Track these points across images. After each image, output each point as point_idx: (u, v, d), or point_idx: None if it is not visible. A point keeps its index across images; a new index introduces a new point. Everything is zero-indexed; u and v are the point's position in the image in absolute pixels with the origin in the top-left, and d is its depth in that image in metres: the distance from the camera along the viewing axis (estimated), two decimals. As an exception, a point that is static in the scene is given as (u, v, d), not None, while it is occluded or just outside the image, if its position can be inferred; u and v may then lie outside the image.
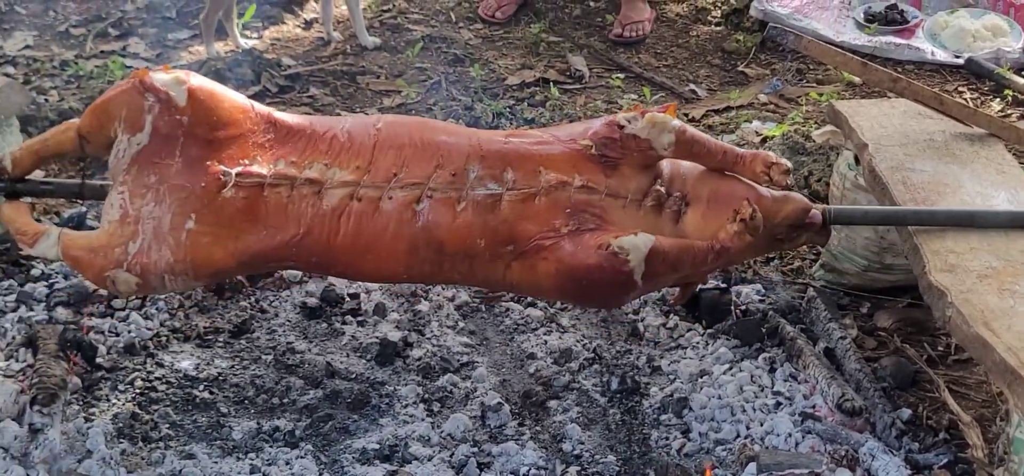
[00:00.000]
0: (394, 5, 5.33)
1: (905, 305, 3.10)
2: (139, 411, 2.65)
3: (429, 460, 2.53)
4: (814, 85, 4.63)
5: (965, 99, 4.31)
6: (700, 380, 2.81)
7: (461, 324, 3.09)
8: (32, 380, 2.61)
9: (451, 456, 2.54)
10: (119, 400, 2.71)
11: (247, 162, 2.39)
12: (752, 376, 2.79)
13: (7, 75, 4.28)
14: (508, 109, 4.37)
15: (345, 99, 4.53)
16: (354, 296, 3.14)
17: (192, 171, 2.35)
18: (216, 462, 2.51)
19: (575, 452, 2.58)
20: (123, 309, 3.03)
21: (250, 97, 4.32)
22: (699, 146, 2.47)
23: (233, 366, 2.88)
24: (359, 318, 3.08)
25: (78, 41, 4.87)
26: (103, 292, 3.02)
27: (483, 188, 2.40)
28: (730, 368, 2.84)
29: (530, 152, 2.45)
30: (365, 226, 2.38)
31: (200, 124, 2.36)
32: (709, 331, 3.02)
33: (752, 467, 2.42)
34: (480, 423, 2.68)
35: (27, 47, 4.78)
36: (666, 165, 2.52)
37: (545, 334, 3.03)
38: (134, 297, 3.03)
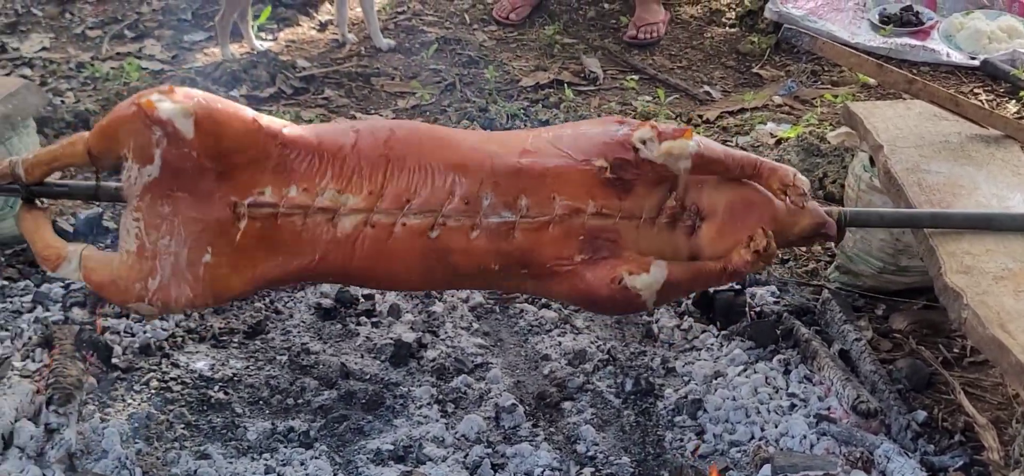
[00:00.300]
0: (408, 7, 5.34)
1: (921, 307, 3.09)
2: (154, 411, 2.66)
3: (443, 461, 2.54)
4: (829, 87, 4.62)
5: (981, 101, 4.29)
6: (714, 382, 2.81)
7: (475, 325, 3.09)
8: (48, 380, 2.61)
9: (465, 457, 2.54)
10: (134, 400, 2.72)
11: (259, 191, 2.38)
12: (767, 378, 2.79)
13: (24, 77, 4.30)
14: (522, 110, 4.37)
15: (359, 100, 4.54)
16: (369, 297, 3.14)
17: (205, 203, 2.34)
18: (231, 462, 2.52)
19: (589, 453, 2.57)
20: (139, 310, 3.04)
21: (265, 99, 4.40)
22: (717, 164, 2.45)
23: (248, 367, 2.89)
24: (373, 319, 3.09)
25: (94, 43, 4.89)
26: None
27: (496, 216, 2.38)
28: (745, 370, 2.84)
29: (544, 173, 2.42)
30: (380, 251, 2.38)
31: (209, 155, 2.35)
32: (723, 333, 3.02)
33: (767, 469, 2.41)
34: (494, 424, 2.68)
35: (44, 49, 4.81)
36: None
37: (559, 335, 3.03)
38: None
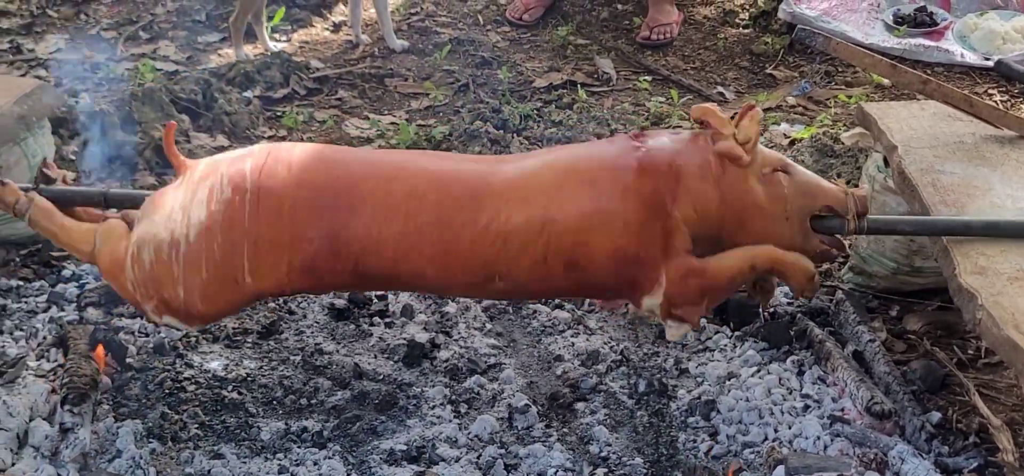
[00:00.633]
0: (422, 8, 5.35)
1: (935, 308, 3.08)
2: (168, 411, 2.67)
3: (456, 461, 2.54)
4: (843, 87, 4.61)
5: (995, 101, 4.28)
6: (728, 383, 2.80)
7: (488, 326, 3.09)
8: (63, 380, 2.63)
9: (478, 457, 2.55)
10: (148, 400, 2.73)
11: None
12: (780, 379, 2.78)
13: (39, 78, 4.32)
14: (536, 111, 4.37)
15: (373, 101, 4.55)
16: (382, 297, 3.15)
17: None
18: (244, 462, 2.52)
19: (602, 454, 2.57)
20: (153, 310, 3.05)
21: (279, 100, 4.41)
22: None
23: (261, 367, 2.89)
24: (387, 319, 3.09)
25: (109, 44, 4.91)
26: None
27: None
28: (758, 370, 2.83)
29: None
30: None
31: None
32: (737, 334, 3.01)
33: (780, 470, 2.41)
34: (507, 424, 2.68)
35: (58, 50, 4.83)
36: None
37: (572, 336, 3.03)
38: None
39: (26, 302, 3.06)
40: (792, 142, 4.06)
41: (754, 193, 2.41)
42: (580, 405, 2.75)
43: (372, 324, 3.07)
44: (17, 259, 3.28)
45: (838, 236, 2.51)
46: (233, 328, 3.02)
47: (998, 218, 2.57)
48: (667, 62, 4.91)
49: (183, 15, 5.17)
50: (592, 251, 2.37)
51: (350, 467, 2.52)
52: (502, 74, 4.64)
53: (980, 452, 2.51)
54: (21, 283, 3.16)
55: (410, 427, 2.65)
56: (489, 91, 4.55)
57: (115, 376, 2.79)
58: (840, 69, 4.73)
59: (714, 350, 2.96)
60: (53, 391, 2.62)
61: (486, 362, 2.92)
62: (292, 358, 2.92)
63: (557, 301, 3.15)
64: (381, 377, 2.84)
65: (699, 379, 2.84)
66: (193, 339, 2.96)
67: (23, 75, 4.49)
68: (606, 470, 2.52)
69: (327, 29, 5.19)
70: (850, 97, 4.44)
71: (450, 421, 2.68)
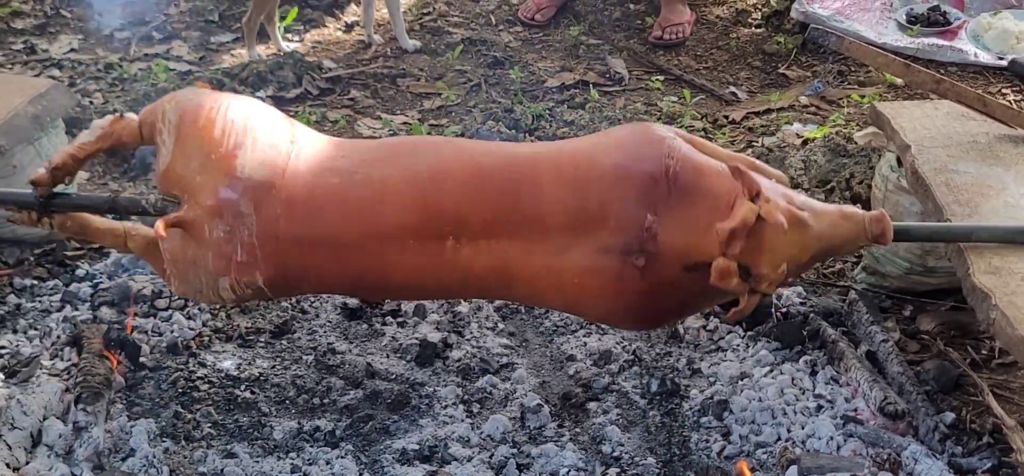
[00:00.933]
0: (434, 8, 5.35)
1: (948, 308, 3.07)
2: (181, 410, 2.67)
3: (468, 461, 2.54)
4: (855, 87, 4.60)
5: (1009, 101, 4.26)
6: (740, 383, 2.80)
7: (500, 325, 3.09)
8: (76, 379, 2.63)
9: (491, 457, 2.55)
10: (162, 399, 2.73)
11: None
12: (793, 379, 2.78)
13: (53, 78, 4.33)
14: (548, 111, 4.37)
15: (385, 101, 4.55)
16: (391, 296, 3.14)
17: None
18: (257, 461, 2.53)
19: (615, 454, 2.57)
20: (166, 309, 3.06)
21: (291, 100, 4.42)
22: None
23: (274, 366, 2.90)
24: (399, 319, 3.09)
25: (122, 44, 4.93)
26: (146, 292, 3.06)
27: None
28: (771, 371, 2.83)
29: None
30: None
31: None
32: (749, 333, 3.01)
33: (793, 470, 2.40)
34: (519, 424, 2.68)
35: (72, 50, 4.85)
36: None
37: (585, 336, 3.03)
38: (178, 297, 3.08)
39: (40, 301, 3.07)
40: (805, 142, 4.05)
41: None
42: (592, 405, 2.75)
43: (385, 324, 3.08)
44: (31, 258, 3.29)
45: None
46: (246, 328, 3.02)
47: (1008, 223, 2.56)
48: (679, 62, 4.91)
49: (196, 15, 5.18)
50: None
51: (362, 466, 2.52)
52: (514, 74, 4.65)
53: (994, 452, 2.50)
54: (35, 282, 3.17)
55: (422, 427, 2.66)
56: (501, 91, 4.55)
57: (129, 375, 2.79)
58: (853, 69, 4.72)
59: (726, 350, 2.96)
60: (67, 390, 2.63)
61: (498, 362, 2.92)
62: (305, 357, 2.93)
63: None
64: (393, 376, 2.84)
65: (711, 379, 2.84)
66: (206, 338, 2.97)
67: (37, 75, 4.50)
68: (618, 470, 2.52)
69: (339, 29, 5.20)
70: (863, 97, 4.43)
71: (462, 421, 2.68)
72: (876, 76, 4.60)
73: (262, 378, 2.84)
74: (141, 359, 2.85)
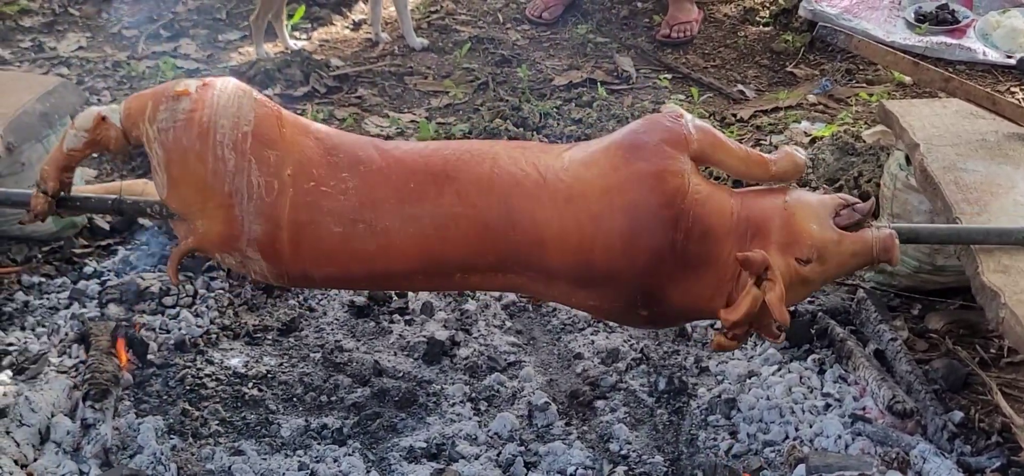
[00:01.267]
0: (442, 6, 5.35)
1: (957, 307, 3.07)
2: (189, 407, 2.67)
3: (476, 459, 2.54)
4: (864, 85, 4.59)
5: (1017, 99, 4.26)
6: (748, 381, 2.79)
7: (508, 324, 3.09)
8: (84, 376, 2.64)
9: (498, 455, 2.55)
10: (170, 396, 2.74)
11: None
12: (801, 377, 2.77)
13: (61, 76, 4.34)
14: (555, 109, 4.37)
15: (393, 99, 4.55)
16: (402, 295, 3.15)
17: None
18: (265, 459, 2.53)
19: (622, 452, 2.57)
20: (174, 307, 3.06)
21: (299, 98, 4.42)
22: None
23: (282, 364, 2.90)
24: (407, 317, 3.09)
25: (130, 42, 4.93)
26: (154, 289, 3.06)
27: None
28: (779, 369, 2.83)
29: None
30: None
31: None
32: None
33: (801, 469, 2.40)
34: (527, 422, 2.68)
35: (80, 48, 4.85)
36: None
37: (592, 334, 3.03)
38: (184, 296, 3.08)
39: (48, 298, 3.08)
40: (813, 140, 4.04)
41: None
42: (600, 403, 2.75)
43: (392, 321, 3.08)
44: (39, 256, 3.29)
45: None
46: (253, 325, 3.03)
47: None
48: (687, 60, 4.90)
49: (204, 13, 5.18)
50: None
51: (370, 464, 2.52)
52: (522, 72, 4.64)
53: (1003, 451, 2.50)
54: (43, 279, 3.17)
55: (430, 424, 2.66)
56: (509, 89, 4.55)
57: (136, 372, 2.80)
58: (861, 67, 4.71)
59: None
60: (75, 387, 2.63)
61: (506, 360, 2.92)
62: (312, 355, 2.93)
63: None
64: (401, 374, 2.84)
65: (719, 377, 2.84)
66: (214, 336, 2.97)
67: (45, 73, 4.50)
68: (626, 468, 2.51)
69: (347, 27, 5.20)
70: (871, 95, 4.42)
71: (470, 418, 2.68)
72: (884, 74, 4.59)
73: (269, 375, 2.84)
74: (149, 356, 2.85)
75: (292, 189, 2.35)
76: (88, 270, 3.22)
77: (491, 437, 2.62)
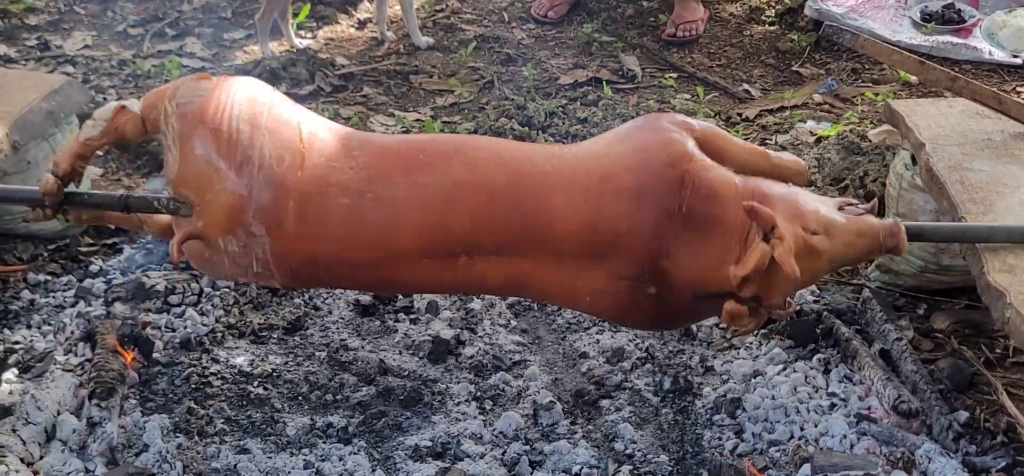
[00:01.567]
0: (447, 5, 5.35)
1: (962, 306, 3.06)
2: (195, 406, 2.68)
3: (481, 458, 2.54)
4: (870, 85, 4.59)
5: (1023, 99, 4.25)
6: (753, 380, 2.79)
7: (513, 323, 3.09)
8: (90, 374, 2.64)
9: (503, 454, 2.55)
10: (175, 395, 2.74)
11: None
12: (806, 377, 2.77)
13: (67, 74, 4.34)
14: (561, 108, 4.37)
15: (398, 98, 4.55)
16: (407, 294, 3.15)
17: None
18: (270, 457, 2.53)
19: (627, 451, 2.57)
20: (179, 305, 3.06)
21: (304, 96, 4.42)
22: None
23: (287, 362, 2.90)
24: (412, 316, 3.10)
25: (136, 41, 4.93)
26: (160, 288, 3.07)
27: None
28: (784, 369, 2.83)
29: None
30: None
31: None
32: (763, 331, 3.00)
33: (806, 468, 2.40)
34: (532, 421, 2.68)
35: (86, 47, 4.86)
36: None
37: (597, 333, 3.03)
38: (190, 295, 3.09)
39: (54, 297, 3.08)
40: (818, 140, 4.04)
41: None
42: (605, 402, 2.75)
43: (397, 320, 3.08)
44: (45, 254, 3.30)
45: None
46: (259, 324, 3.03)
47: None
48: (693, 59, 4.90)
49: (209, 12, 5.19)
50: None
51: (375, 463, 2.52)
52: (527, 71, 4.64)
53: (1008, 451, 2.50)
54: (49, 278, 3.17)
55: (435, 423, 2.66)
56: (514, 88, 4.55)
57: (142, 371, 2.80)
58: (867, 66, 4.71)
59: (739, 348, 2.95)
60: (81, 385, 2.63)
61: (511, 359, 2.92)
62: (317, 354, 2.93)
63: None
64: (406, 373, 2.85)
65: (725, 377, 2.84)
66: (219, 334, 2.97)
67: (51, 72, 4.51)
68: (631, 467, 2.51)
69: (352, 26, 5.20)
70: (877, 94, 4.41)
71: (475, 417, 2.68)
72: (890, 74, 4.59)
73: (275, 374, 2.84)
74: (154, 355, 2.85)
75: (303, 161, 2.38)
76: (94, 268, 3.23)
77: (496, 436, 2.62)
